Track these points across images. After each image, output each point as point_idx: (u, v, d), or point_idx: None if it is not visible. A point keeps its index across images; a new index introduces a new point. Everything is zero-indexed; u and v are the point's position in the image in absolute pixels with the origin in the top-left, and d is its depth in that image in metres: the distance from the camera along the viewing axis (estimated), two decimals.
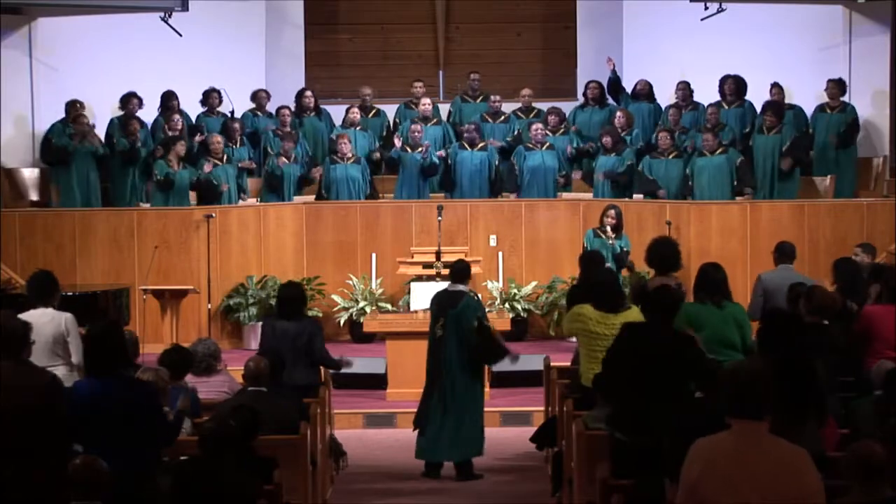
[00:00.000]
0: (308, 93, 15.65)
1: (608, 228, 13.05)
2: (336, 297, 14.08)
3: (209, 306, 13.62)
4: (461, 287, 9.83)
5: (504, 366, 10.51)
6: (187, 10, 15.13)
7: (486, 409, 10.18)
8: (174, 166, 14.06)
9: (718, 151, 14.12)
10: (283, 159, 14.57)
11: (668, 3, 15.84)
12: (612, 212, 13.14)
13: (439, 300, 9.83)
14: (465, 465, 9.74)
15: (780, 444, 4.68)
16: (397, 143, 14.92)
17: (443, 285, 10.29)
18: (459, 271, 9.88)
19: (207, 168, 14.17)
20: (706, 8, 15.09)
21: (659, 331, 7.10)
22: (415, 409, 10.00)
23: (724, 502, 4.61)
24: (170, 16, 15.02)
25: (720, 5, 15.03)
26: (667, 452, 5.65)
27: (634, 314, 8.39)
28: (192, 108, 15.36)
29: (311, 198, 14.82)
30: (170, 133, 14.56)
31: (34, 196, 15.12)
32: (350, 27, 17.01)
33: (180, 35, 15.08)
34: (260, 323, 13.57)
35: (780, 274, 10.07)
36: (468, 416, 9.70)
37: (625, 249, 13.00)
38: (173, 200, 14.05)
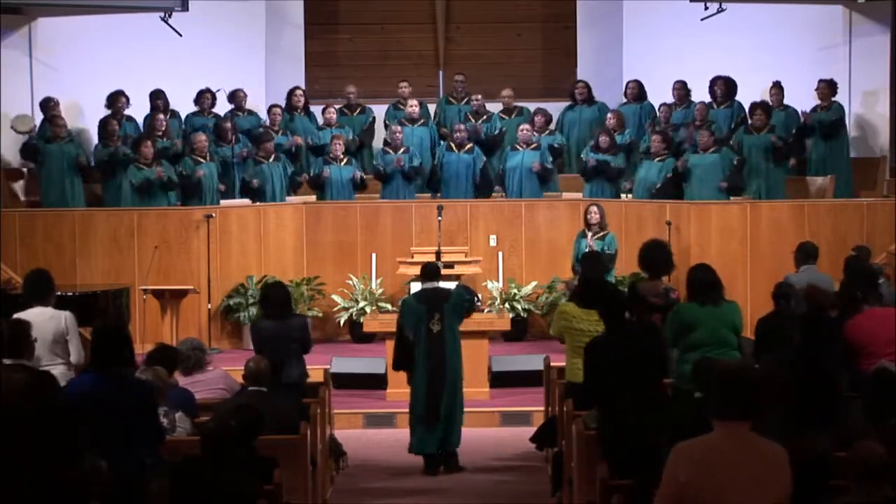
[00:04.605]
0: (298, 91, 15.63)
1: (590, 228, 12.99)
2: (336, 297, 14.07)
3: (209, 306, 13.62)
4: (441, 284, 10.15)
5: None
6: (187, 10, 15.12)
7: (485, 409, 10.22)
8: (147, 165, 13.93)
9: (712, 150, 14.08)
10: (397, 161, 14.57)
11: (668, 3, 15.83)
12: (594, 208, 13.06)
13: (430, 298, 9.92)
14: (455, 455, 9.89)
15: (761, 442, 4.72)
16: (397, 161, 14.72)
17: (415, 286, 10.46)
18: (435, 271, 10.22)
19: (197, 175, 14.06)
20: (706, 8, 15.08)
21: (618, 328, 7.50)
22: None
23: None
24: (170, 16, 15.01)
25: (720, 5, 15.02)
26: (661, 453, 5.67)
27: None
28: (191, 108, 15.37)
29: (312, 198, 14.81)
30: (156, 133, 14.50)
31: (22, 196, 15.08)
32: (350, 27, 16.99)
33: (180, 35, 15.08)
34: None
35: (806, 275, 10.09)
36: (460, 407, 9.93)
37: (607, 252, 12.79)
38: (154, 201, 13.95)
